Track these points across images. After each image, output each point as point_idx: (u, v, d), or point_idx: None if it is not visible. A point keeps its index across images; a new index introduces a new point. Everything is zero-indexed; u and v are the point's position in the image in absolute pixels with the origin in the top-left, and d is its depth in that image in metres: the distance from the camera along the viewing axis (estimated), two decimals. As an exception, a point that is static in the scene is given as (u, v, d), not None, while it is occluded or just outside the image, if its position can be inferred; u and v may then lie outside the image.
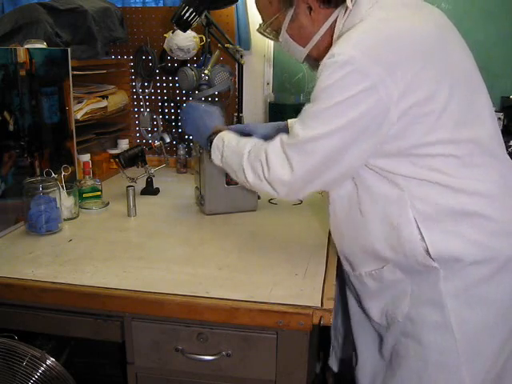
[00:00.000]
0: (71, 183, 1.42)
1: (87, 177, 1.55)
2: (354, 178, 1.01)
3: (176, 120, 2.07)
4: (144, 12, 1.98)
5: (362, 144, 0.92)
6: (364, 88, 0.86)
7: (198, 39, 1.83)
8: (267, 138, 1.46)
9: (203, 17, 1.64)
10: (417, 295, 0.99)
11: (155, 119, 2.09)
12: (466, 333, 0.95)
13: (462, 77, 0.95)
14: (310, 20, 1.01)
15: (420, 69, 0.88)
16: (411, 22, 0.93)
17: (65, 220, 1.36)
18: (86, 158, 1.65)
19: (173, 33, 1.82)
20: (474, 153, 0.93)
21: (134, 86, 2.06)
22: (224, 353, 0.99)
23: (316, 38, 1.03)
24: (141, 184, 1.64)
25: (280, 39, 1.08)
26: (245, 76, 1.86)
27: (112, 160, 1.82)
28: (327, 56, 0.91)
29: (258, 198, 1.50)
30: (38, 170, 1.42)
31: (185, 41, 1.80)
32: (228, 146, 1.14)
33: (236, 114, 1.90)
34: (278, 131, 1.45)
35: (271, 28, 1.08)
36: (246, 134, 1.53)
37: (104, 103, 1.78)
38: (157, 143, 1.71)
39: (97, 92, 1.77)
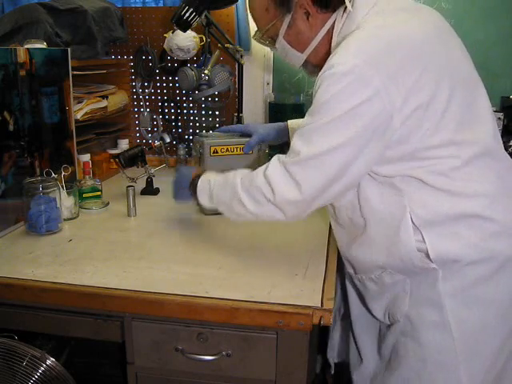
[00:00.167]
0: (71, 183, 1.42)
1: (87, 177, 1.55)
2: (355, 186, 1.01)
3: (176, 120, 2.07)
4: (144, 12, 1.98)
5: (368, 154, 0.90)
6: (367, 97, 0.85)
7: (197, 39, 1.83)
8: (267, 138, 1.47)
9: (203, 17, 1.64)
10: (416, 295, 0.99)
11: (155, 119, 2.09)
12: (464, 332, 0.96)
13: (462, 78, 0.95)
14: (308, 25, 1.00)
15: (421, 72, 0.87)
16: (410, 27, 0.93)
17: (65, 220, 1.36)
18: (86, 158, 1.65)
19: (173, 33, 1.82)
20: (474, 154, 0.93)
21: (134, 86, 2.06)
22: (224, 353, 0.99)
23: (314, 43, 1.02)
24: (141, 184, 1.64)
25: (277, 46, 1.06)
26: (245, 76, 1.86)
27: (112, 160, 1.82)
28: (325, 67, 0.90)
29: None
30: (38, 170, 1.42)
31: (185, 41, 1.80)
32: (215, 183, 1.11)
33: (236, 114, 1.90)
34: (277, 131, 1.45)
35: (267, 35, 1.06)
36: (246, 134, 1.54)
37: (104, 103, 1.78)
38: (157, 143, 1.71)
39: (97, 92, 1.77)
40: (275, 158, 0.99)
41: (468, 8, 1.81)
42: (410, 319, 1.00)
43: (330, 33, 1.00)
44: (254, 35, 1.10)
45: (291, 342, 0.96)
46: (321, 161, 0.91)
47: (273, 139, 1.48)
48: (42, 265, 1.10)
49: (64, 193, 1.37)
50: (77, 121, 1.60)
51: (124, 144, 2.00)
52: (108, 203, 1.51)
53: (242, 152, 1.52)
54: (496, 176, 0.96)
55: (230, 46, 1.78)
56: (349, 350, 1.25)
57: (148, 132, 2.11)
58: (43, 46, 1.45)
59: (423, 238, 0.94)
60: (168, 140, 1.74)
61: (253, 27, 1.91)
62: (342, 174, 0.91)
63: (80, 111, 1.63)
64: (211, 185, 1.13)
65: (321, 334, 1.39)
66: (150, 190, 1.66)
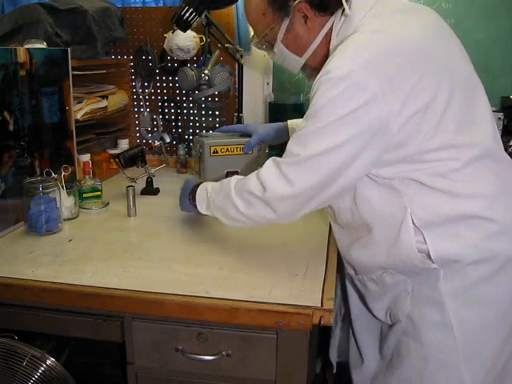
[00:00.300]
0: (71, 183, 1.42)
1: (87, 177, 1.55)
2: (353, 188, 1.01)
3: (176, 120, 2.07)
4: (144, 12, 1.98)
5: (366, 156, 0.90)
6: (364, 102, 0.85)
7: (197, 39, 1.83)
8: (267, 138, 1.47)
9: (203, 17, 1.64)
10: (417, 295, 0.99)
11: (155, 119, 2.09)
12: (465, 332, 0.96)
13: (461, 79, 0.95)
14: (306, 29, 1.00)
15: (420, 76, 0.87)
16: (409, 29, 0.92)
17: (65, 220, 1.36)
18: (86, 158, 1.65)
19: (173, 33, 1.81)
20: (474, 155, 0.93)
21: (134, 86, 2.06)
22: (224, 353, 0.99)
23: (313, 46, 1.02)
24: (141, 184, 1.64)
25: (275, 50, 1.06)
26: (245, 76, 1.86)
27: (112, 160, 1.82)
28: (322, 72, 0.89)
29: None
30: (38, 170, 1.42)
31: (185, 41, 1.80)
32: (213, 190, 1.13)
33: (236, 114, 1.90)
34: (277, 131, 1.45)
35: (265, 40, 1.06)
36: (245, 133, 1.54)
37: (104, 103, 1.78)
38: (157, 143, 1.71)
39: (97, 92, 1.77)
40: (269, 160, 0.99)
41: (468, 8, 1.81)
42: (411, 319, 1.00)
43: (328, 36, 1.00)
44: (252, 40, 1.10)
45: (291, 342, 0.96)
46: (318, 161, 0.91)
47: (273, 139, 1.48)
48: (42, 265, 1.10)
49: (64, 193, 1.37)
50: (77, 121, 1.60)
51: (124, 144, 2.00)
52: (108, 203, 1.51)
53: (241, 152, 1.53)
54: (496, 177, 0.96)
55: (230, 45, 1.78)
56: (349, 350, 1.25)
57: (148, 132, 2.11)
58: (43, 46, 1.45)
59: (424, 239, 0.94)
60: (168, 140, 1.74)
61: (253, 27, 1.91)
62: (339, 174, 0.91)
63: (80, 111, 1.63)
64: (208, 192, 1.14)
65: (321, 334, 1.39)
66: (149, 190, 1.66)
